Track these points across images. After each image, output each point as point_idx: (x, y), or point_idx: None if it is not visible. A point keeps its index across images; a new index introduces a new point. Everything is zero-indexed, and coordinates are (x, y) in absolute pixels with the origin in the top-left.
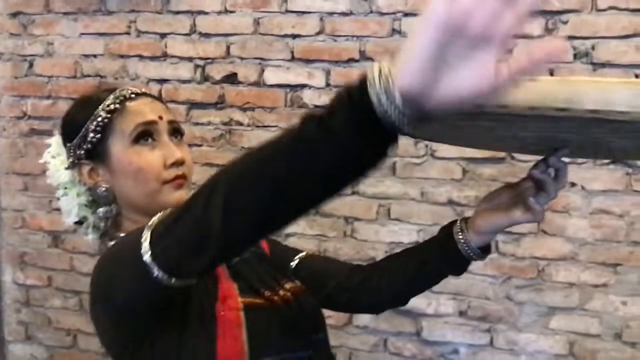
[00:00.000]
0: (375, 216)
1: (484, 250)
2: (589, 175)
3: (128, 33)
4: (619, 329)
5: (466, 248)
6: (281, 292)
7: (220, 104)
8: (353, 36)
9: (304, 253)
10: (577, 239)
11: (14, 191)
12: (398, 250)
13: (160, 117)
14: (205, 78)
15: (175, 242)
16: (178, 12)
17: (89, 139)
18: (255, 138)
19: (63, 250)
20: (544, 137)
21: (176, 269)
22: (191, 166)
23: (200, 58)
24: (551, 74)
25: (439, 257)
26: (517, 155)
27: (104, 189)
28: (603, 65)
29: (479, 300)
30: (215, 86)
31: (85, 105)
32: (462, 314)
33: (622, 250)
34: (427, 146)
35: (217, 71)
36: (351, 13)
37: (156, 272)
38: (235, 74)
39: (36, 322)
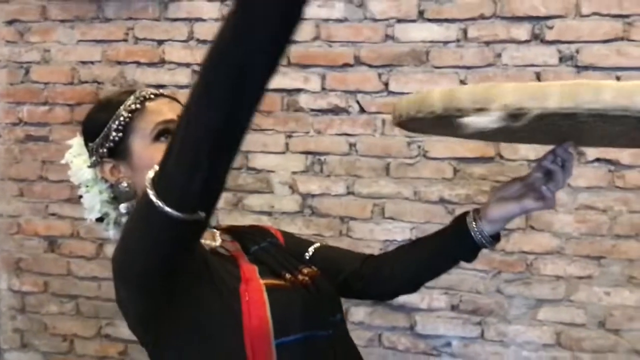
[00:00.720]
0: (370, 215)
1: (495, 238)
2: (574, 173)
3: (126, 40)
4: (602, 317)
5: (479, 236)
6: (300, 277)
7: None
8: (348, 42)
9: (318, 244)
10: (563, 233)
11: (9, 197)
12: (392, 247)
13: (179, 116)
14: None
15: (172, 169)
16: (176, 19)
17: (111, 137)
18: (252, 141)
19: (59, 255)
20: (552, 131)
21: (180, 198)
22: None
23: (198, 64)
24: (538, 77)
25: (453, 245)
26: (506, 155)
27: (126, 185)
28: (587, 67)
29: (470, 295)
30: None
31: (106, 107)
32: (454, 308)
33: (605, 243)
34: (419, 147)
35: None
36: (346, 19)
37: (163, 207)
38: None
39: (32, 329)
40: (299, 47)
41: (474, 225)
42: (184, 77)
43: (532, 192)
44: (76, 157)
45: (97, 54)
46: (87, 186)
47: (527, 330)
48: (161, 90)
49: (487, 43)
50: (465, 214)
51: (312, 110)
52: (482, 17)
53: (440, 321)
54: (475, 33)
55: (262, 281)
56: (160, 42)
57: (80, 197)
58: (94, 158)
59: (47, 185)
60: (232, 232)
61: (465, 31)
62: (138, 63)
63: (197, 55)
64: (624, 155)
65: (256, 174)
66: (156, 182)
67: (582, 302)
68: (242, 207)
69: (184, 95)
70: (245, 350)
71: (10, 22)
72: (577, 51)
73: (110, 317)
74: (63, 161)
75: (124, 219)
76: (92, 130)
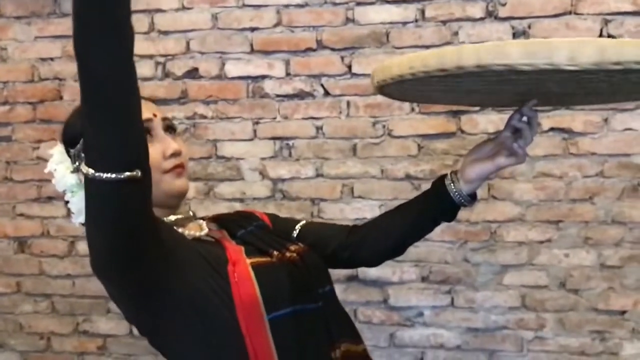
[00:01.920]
0: (340, 195)
1: (472, 197)
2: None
3: None
4: (563, 279)
5: (458, 196)
6: (287, 254)
7: (183, 99)
8: (309, 26)
9: (303, 221)
10: (523, 201)
11: None
12: (359, 224)
13: (155, 115)
14: (167, 74)
15: (86, 133)
16: (135, 12)
17: None
18: (220, 130)
19: (31, 255)
20: (518, 91)
21: (104, 157)
22: (187, 156)
23: (161, 55)
24: None
25: (434, 207)
26: (466, 129)
27: None
28: None
29: (439, 265)
30: (177, 82)
31: None
32: (424, 279)
33: (562, 207)
34: (384, 127)
35: (178, 67)
36: (306, 5)
37: (95, 174)
38: (196, 69)
39: (7, 329)
40: (261, 34)
41: (453, 187)
42: (148, 69)
43: (503, 150)
44: (59, 165)
45: (57, 50)
46: (72, 191)
47: (494, 295)
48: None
49: (444, 22)
50: (444, 176)
51: (278, 95)
52: None
53: (412, 293)
54: (433, 13)
55: (248, 260)
56: None
57: (67, 202)
58: (76, 163)
59: (12, 186)
60: (217, 220)
61: (422, 11)
62: None
63: (160, 46)
64: (577, 123)
65: (225, 162)
66: (85, 156)
67: (544, 265)
68: (214, 196)
69: (148, 88)
70: (240, 327)
71: None
72: (529, 26)
73: (87, 313)
74: (46, 170)
75: None
76: (71, 136)
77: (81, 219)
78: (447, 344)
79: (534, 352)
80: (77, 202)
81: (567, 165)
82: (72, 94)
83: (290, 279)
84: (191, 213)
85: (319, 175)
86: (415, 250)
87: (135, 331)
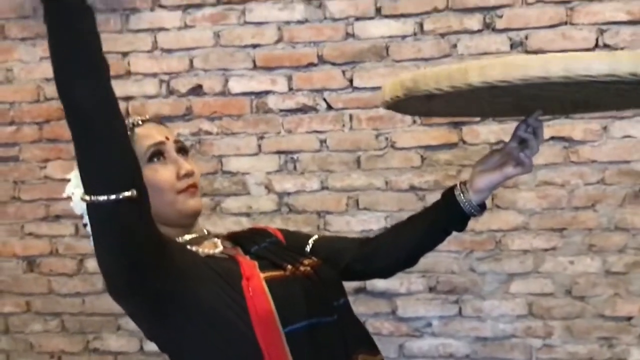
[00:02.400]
0: (345, 208)
1: (482, 207)
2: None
3: None
4: (569, 286)
5: (468, 206)
6: (302, 268)
7: (187, 115)
8: (310, 42)
9: (316, 236)
10: (526, 209)
11: None
12: (371, 236)
13: (167, 138)
14: (171, 92)
15: (79, 160)
16: (138, 31)
17: None
18: (225, 146)
19: (40, 274)
20: (521, 104)
21: (100, 180)
22: (199, 176)
23: (165, 73)
24: None
25: (444, 217)
26: (468, 140)
27: None
28: (536, 52)
29: (446, 275)
30: (181, 99)
31: None
32: (431, 289)
33: (565, 215)
34: (387, 139)
35: (182, 84)
36: (306, 21)
37: (93, 198)
38: (200, 86)
39: (17, 349)
40: (263, 50)
41: (462, 197)
42: (152, 87)
43: (510, 160)
44: (76, 189)
45: None
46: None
47: (501, 304)
48: (148, 116)
49: (443, 35)
50: (453, 187)
51: (281, 110)
52: (436, 10)
53: (420, 303)
54: (431, 26)
55: (262, 275)
56: (125, 54)
57: (85, 225)
58: None
59: (20, 206)
60: (232, 238)
61: (421, 25)
62: None
63: (164, 64)
64: (577, 132)
65: (231, 177)
66: (82, 184)
67: (549, 273)
68: (220, 211)
69: (153, 105)
70: (258, 341)
71: None
72: (526, 37)
73: (97, 331)
74: (64, 194)
75: None
76: None
77: None
78: (456, 353)
79: None
80: None
81: (568, 173)
82: None
83: (304, 293)
84: (205, 232)
85: (324, 188)
86: (422, 260)
87: (145, 348)
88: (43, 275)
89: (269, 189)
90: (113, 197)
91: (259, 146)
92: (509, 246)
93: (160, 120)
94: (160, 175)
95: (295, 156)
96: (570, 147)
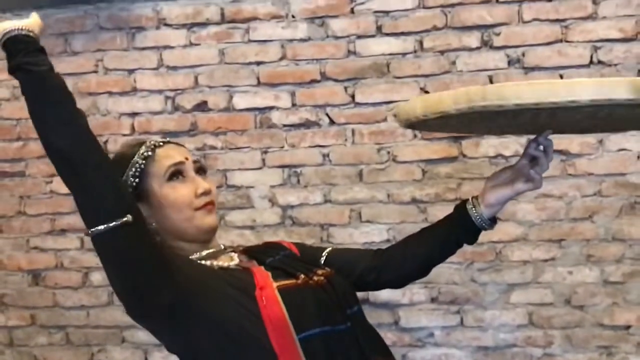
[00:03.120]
0: (348, 220)
1: (493, 221)
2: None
3: (96, 71)
4: (568, 295)
5: (479, 220)
6: (315, 278)
7: (192, 131)
8: (313, 59)
9: (330, 248)
10: (526, 221)
11: None
12: (372, 249)
13: (187, 158)
14: (176, 108)
15: (76, 199)
16: (144, 48)
17: (129, 182)
18: (230, 160)
19: (45, 288)
20: (533, 123)
21: (99, 213)
22: (216, 195)
23: (170, 90)
24: (490, 80)
25: (456, 230)
26: (468, 153)
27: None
28: (533, 69)
29: (448, 286)
30: (186, 115)
31: (122, 158)
32: (433, 300)
33: (564, 227)
34: (388, 153)
35: (187, 101)
36: (309, 39)
37: (97, 229)
38: (205, 102)
39: None
40: (267, 67)
41: (474, 211)
42: (157, 103)
43: (521, 177)
44: None
45: (68, 86)
46: None
47: (502, 314)
48: (168, 139)
49: (442, 52)
50: (465, 201)
51: (285, 125)
52: (436, 28)
53: (422, 314)
54: (430, 43)
55: (275, 284)
56: (131, 71)
57: None
58: None
59: (26, 220)
60: (247, 252)
61: (421, 42)
62: (110, 93)
63: (169, 81)
64: (573, 145)
65: (236, 191)
66: (82, 219)
67: (549, 283)
68: (225, 224)
69: (159, 122)
70: (273, 347)
71: None
72: (523, 54)
73: (102, 343)
74: None
75: None
76: None
77: None
78: None
79: None
80: None
81: (566, 185)
82: None
83: (316, 301)
84: (222, 246)
85: (327, 201)
86: None
87: (150, 359)
88: (48, 289)
89: (272, 202)
90: (111, 225)
91: (263, 160)
92: (509, 257)
93: (180, 143)
94: (179, 193)
95: (298, 170)
96: (568, 160)
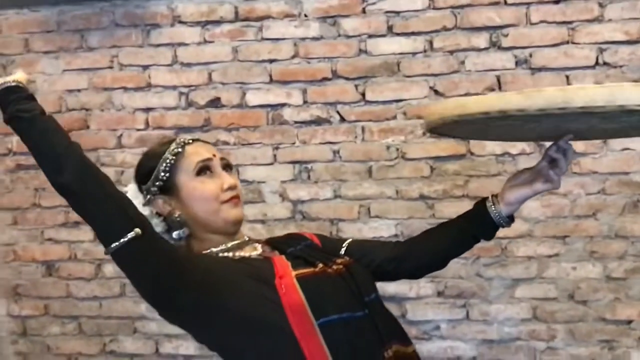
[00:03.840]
0: (357, 215)
1: (510, 218)
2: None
3: (111, 67)
4: (571, 291)
5: (498, 217)
6: (334, 267)
7: (205, 126)
8: (325, 58)
9: (350, 239)
10: (531, 218)
11: (3, 226)
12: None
13: (214, 155)
14: (190, 104)
15: (89, 223)
16: (159, 45)
17: (160, 177)
18: (242, 155)
19: (58, 278)
20: (553, 129)
21: (109, 232)
22: (241, 189)
23: (184, 86)
24: (498, 80)
25: (475, 226)
26: (475, 151)
27: (176, 215)
28: (540, 69)
29: (454, 280)
30: (200, 111)
31: (153, 154)
32: (440, 294)
33: (568, 223)
34: (397, 150)
35: (200, 97)
36: (321, 37)
37: (114, 246)
38: (218, 98)
39: (35, 351)
40: (279, 65)
41: (493, 208)
42: (171, 99)
43: (540, 177)
44: (134, 200)
45: (83, 82)
46: None
47: (507, 308)
48: (197, 137)
49: (451, 52)
50: (485, 199)
51: (296, 122)
52: (445, 29)
53: (429, 307)
54: (440, 43)
55: (293, 273)
56: (146, 67)
57: None
58: (148, 197)
59: (41, 212)
60: (270, 243)
61: (430, 42)
62: (125, 88)
63: (183, 77)
64: (578, 144)
65: (247, 186)
66: (99, 241)
67: (553, 278)
68: None
69: (173, 117)
70: (294, 332)
71: None
72: (531, 55)
73: (114, 333)
74: None
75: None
76: (143, 174)
77: None
78: (464, 356)
79: None
80: None
81: (571, 183)
82: (99, 124)
83: (335, 289)
84: (246, 238)
85: (337, 196)
86: None
87: (161, 350)
88: (61, 280)
89: (283, 197)
90: (124, 240)
91: (275, 156)
92: (514, 253)
93: (208, 141)
94: (206, 187)
95: (309, 166)
96: (573, 159)
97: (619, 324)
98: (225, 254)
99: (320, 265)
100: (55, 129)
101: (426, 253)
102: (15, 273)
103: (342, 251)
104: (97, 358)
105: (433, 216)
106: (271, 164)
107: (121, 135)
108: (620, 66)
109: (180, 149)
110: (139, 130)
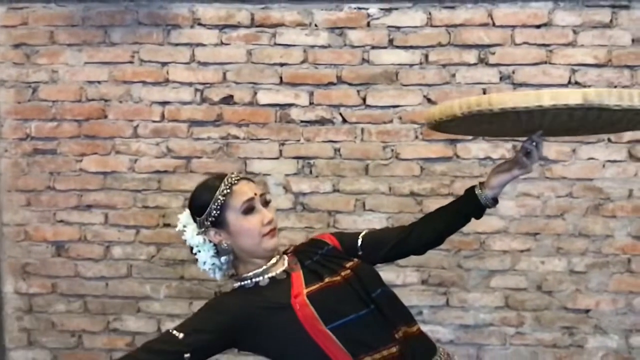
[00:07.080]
0: (353, 208)
1: (495, 200)
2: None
3: (132, 62)
4: (539, 282)
5: (484, 199)
6: (343, 273)
7: (218, 121)
8: (331, 64)
9: (364, 232)
10: (507, 216)
11: (17, 207)
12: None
13: (256, 194)
14: (204, 100)
15: None
16: (178, 44)
17: (212, 214)
18: (250, 149)
19: (67, 259)
20: (528, 126)
21: None
22: (277, 220)
23: (200, 83)
24: (484, 93)
25: (466, 207)
26: (461, 155)
27: (225, 245)
28: (521, 85)
29: (437, 270)
30: (213, 107)
31: (206, 191)
32: (424, 282)
33: (539, 222)
34: (392, 150)
35: (215, 94)
36: (329, 46)
37: None
38: (231, 96)
39: (39, 328)
40: (289, 69)
41: (480, 192)
42: (188, 94)
43: (517, 165)
44: (187, 226)
45: (104, 74)
46: (198, 247)
47: (483, 296)
48: (241, 175)
49: (444, 65)
50: (474, 186)
51: (302, 121)
52: (440, 44)
53: (414, 294)
54: (435, 57)
55: (305, 291)
56: (164, 64)
57: (195, 254)
58: (202, 228)
59: (54, 195)
60: (296, 252)
61: (426, 56)
62: (144, 82)
63: (199, 75)
64: (551, 152)
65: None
66: None
67: (524, 271)
68: None
69: (188, 111)
70: (312, 338)
71: (17, 46)
72: (513, 72)
73: (118, 312)
74: (176, 229)
75: (225, 267)
76: (198, 208)
77: (206, 267)
78: (443, 339)
79: (515, 346)
80: (203, 256)
81: (543, 187)
82: (116, 114)
83: (340, 297)
84: (278, 256)
85: (335, 190)
86: (416, 257)
87: (162, 329)
88: (70, 260)
89: (286, 189)
90: None
91: (280, 151)
92: (491, 247)
93: (251, 178)
94: (251, 223)
95: (311, 161)
96: (546, 165)
97: (578, 313)
98: (257, 279)
99: (327, 279)
100: None
101: (428, 233)
102: (25, 252)
103: (359, 243)
104: (100, 335)
105: (421, 211)
106: (277, 158)
107: (137, 125)
108: (589, 86)
109: (228, 190)
110: (154, 122)
